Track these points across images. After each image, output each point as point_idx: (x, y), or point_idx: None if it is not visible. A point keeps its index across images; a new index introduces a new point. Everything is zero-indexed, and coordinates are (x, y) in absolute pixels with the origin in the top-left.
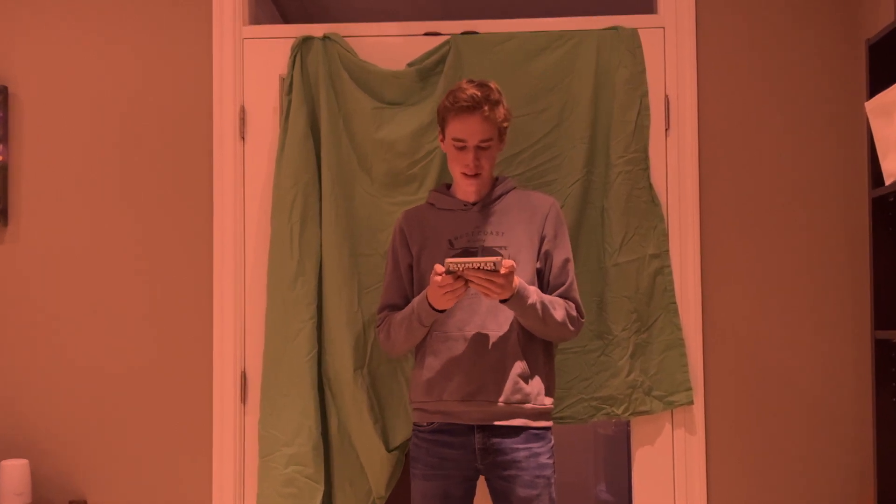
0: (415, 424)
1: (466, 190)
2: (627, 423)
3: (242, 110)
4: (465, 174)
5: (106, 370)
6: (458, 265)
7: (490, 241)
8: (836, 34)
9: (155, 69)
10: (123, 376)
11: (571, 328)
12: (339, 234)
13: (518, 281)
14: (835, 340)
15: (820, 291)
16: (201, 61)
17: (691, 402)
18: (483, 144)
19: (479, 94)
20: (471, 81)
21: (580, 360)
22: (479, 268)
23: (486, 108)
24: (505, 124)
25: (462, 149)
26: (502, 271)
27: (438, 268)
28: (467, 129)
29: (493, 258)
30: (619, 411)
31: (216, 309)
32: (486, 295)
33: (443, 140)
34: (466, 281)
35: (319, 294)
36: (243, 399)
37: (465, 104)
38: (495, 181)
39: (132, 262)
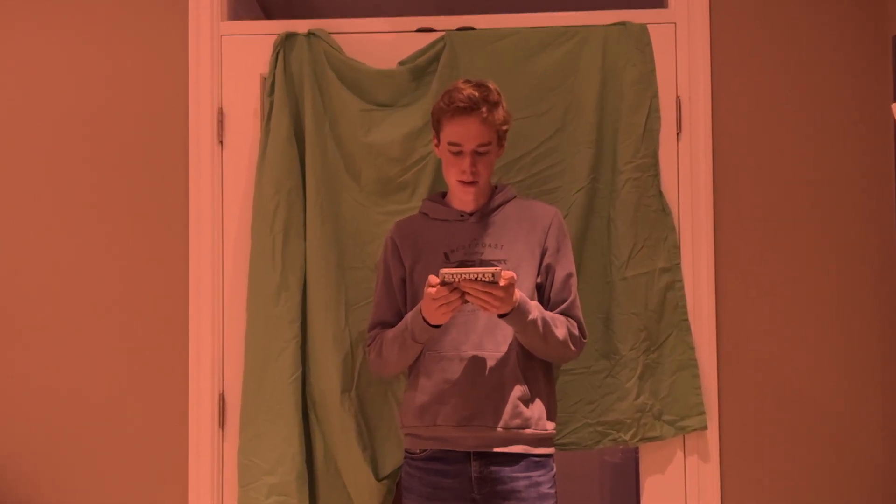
0: (407, 451)
1: (463, 199)
2: (636, 450)
3: (220, 112)
4: (461, 182)
5: (72, 393)
6: (454, 276)
7: (488, 254)
8: (860, 29)
9: (126, 68)
10: (91, 399)
11: (573, 348)
12: (324, 245)
13: (518, 294)
14: (861, 360)
15: (845, 307)
16: (176, 59)
17: (705, 427)
18: (481, 149)
19: (476, 94)
20: (467, 81)
21: (585, 382)
22: (476, 279)
23: (484, 109)
24: (504, 128)
25: (458, 154)
26: (501, 283)
27: (433, 279)
28: (464, 132)
29: (492, 268)
30: (627, 437)
31: (192, 326)
32: (484, 308)
33: (437, 145)
34: (463, 294)
35: (304, 311)
36: (221, 424)
37: (461, 105)
38: (494, 189)
39: (101, 276)
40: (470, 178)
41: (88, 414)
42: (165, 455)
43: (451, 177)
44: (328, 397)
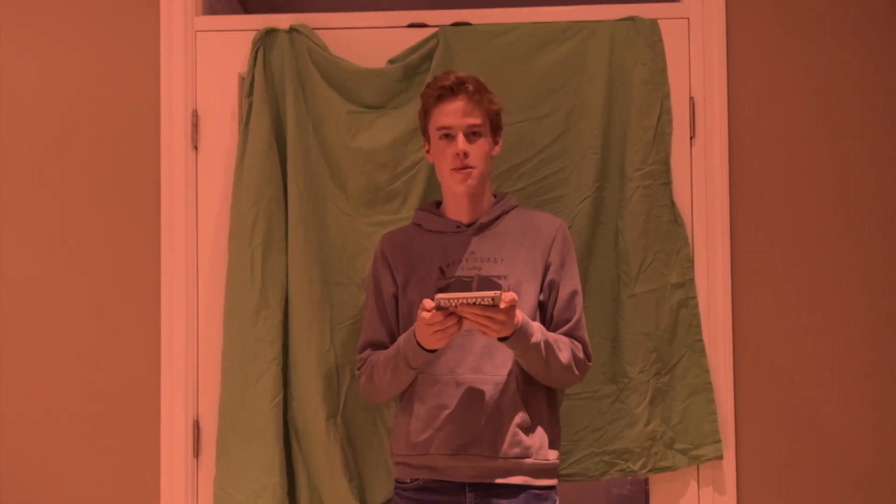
0: (397, 481)
1: (455, 188)
2: (645, 482)
3: (195, 115)
4: (455, 170)
5: (32, 418)
6: (451, 300)
7: (487, 269)
8: (887, 24)
9: (93, 67)
10: (53, 425)
11: (577, 372)
12: (308, 259)
13: (520, 316)
14: (893, 384)
15: (874, 326)
16: (147, 58)
17: (720, 457)
18: (472, 129)
19: (462, 75)
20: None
21: (591, 408)
22: (475, 303)
23: (470, 86)
24: (495, 108)
25: (448, 137)
26: (502, 305)
27: (427, 303)
28: (451, 111)
29: (492, 293)
30: (637, 467)
31: (164, 347)
32: (484, 333)
33: (428, 150)
34: (460, 317)
35: (285, 330)
36: (196, 453)
37: (446, 84)
38: (493, 198)
39: (65, 292)
40: (462, 163)
41: (51, 441)
42: (136, 486)
43: (444, 167)
44: (312, 424)
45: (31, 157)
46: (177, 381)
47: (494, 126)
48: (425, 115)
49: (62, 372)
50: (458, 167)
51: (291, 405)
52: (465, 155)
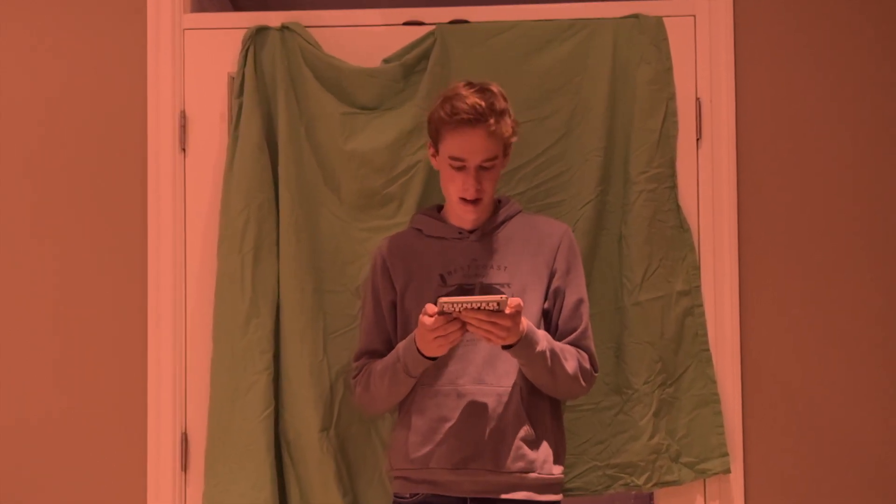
0: (396, 496)
1: (463, 216)
2: (650, 496)
3: (183, 116)
4: (463, 199)
5: (16, 430)
6: (454, 305)
7: (490, 277)
8: None
9: (78, 66)
10: (37, 438)
11: (583, 384)
12: (300, 266)
13: (526, 323)
14: None
15: (887, 334)
16: (133, 57)
17: (728, 471)
18: (486, 164)
19: (482, 103)
20: (469, 85)
21: (594, 420)
22: (479, 308)
23: (491, 121)
24: (512, 139)
25: (461, 169)
26: (507, 311)
27: (430, 307)
28: (468, 146)
29: (497, 297)
30: (641, 481)
31: (151, 356)
32: (488, 339)
33: (434, 155)
34: (463, 323)
35: (276, 340)
36: (184, 467)
37: (465, 117)
38: (497, 204)
39: (48, 299)
40: (474, 196)
41: (33, 453)
42: (122, 501)
43: (452, 193)
44: (304, 436)
45: (12, 158)
46: (164, 392)
47: (507, 148)
48: (437, 132)
49: (43, 382)
50: (470, 199)
51: (283, 417)
52: (478, 190)
